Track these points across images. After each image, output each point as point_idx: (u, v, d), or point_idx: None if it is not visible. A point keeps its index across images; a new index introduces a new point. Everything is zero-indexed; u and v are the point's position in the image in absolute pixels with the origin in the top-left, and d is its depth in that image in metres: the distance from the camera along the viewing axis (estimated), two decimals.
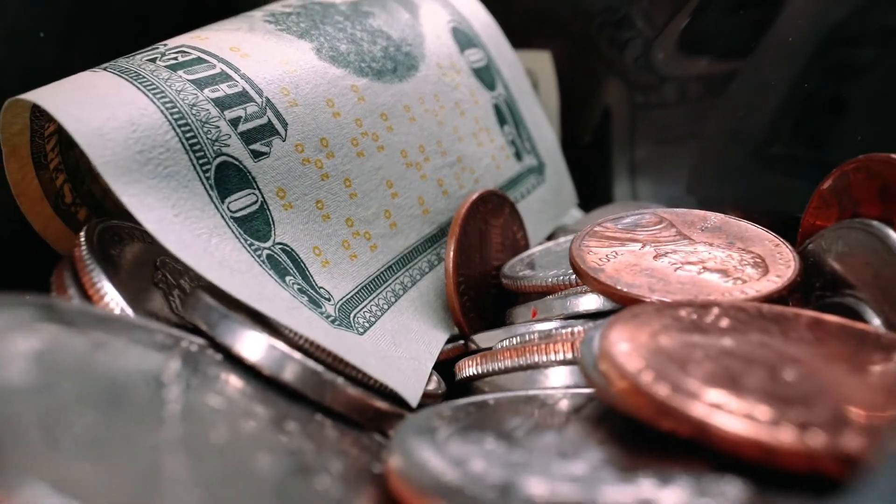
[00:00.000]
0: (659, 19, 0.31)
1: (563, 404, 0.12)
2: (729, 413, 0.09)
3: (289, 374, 0.12)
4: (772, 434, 0.08)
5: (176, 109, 0.15)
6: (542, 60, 0.34)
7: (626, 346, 0.11)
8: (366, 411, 0.12)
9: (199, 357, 0.11)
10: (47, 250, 0.21)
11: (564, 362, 0.14)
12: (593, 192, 0.35)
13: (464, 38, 0.25)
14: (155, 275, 0.16)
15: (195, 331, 0.13)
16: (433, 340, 0.19)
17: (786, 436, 0.08)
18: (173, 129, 0.15)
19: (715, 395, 0.09)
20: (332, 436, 0.11)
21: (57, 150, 0.20)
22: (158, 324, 0.12)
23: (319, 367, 0.12)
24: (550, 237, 0.26)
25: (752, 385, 0.10)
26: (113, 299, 0.13)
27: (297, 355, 0.12)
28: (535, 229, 0.24)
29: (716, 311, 0.13)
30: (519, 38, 0.32)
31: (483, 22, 0.26)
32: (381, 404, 0.12)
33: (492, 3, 0.29)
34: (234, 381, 0.11)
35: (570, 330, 0.15)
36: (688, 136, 0.32)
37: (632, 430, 0.10)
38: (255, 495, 0.07)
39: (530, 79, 0.33)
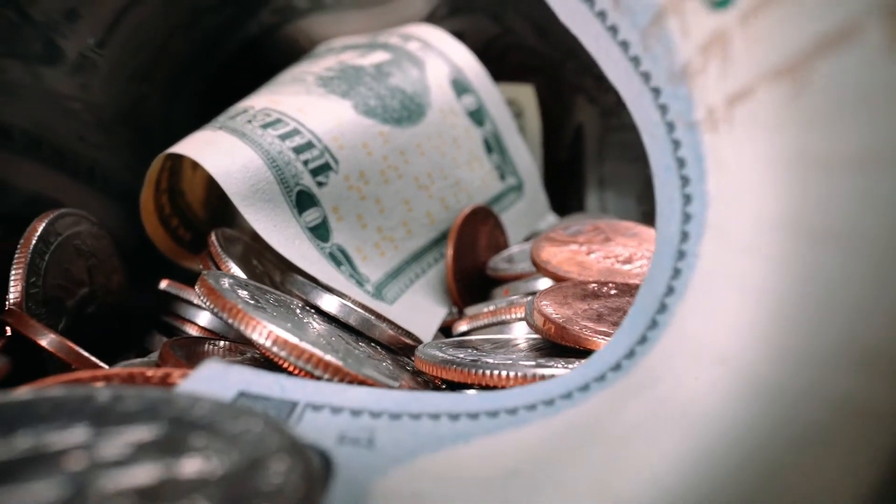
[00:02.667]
0: None
1: (517, 341, 0.22)
2: (591, 331, 0.18)
3: (353, 320, 0.21)
4: (603, 341, 0.18)
5: (270, 157, 0.25)
6: (527, 93, 0.44)
7: (548, 302, 0.20)
8: (398, 343, 0.21)
9: (303, 308, 0.21)
10: (152, 248, 0.30)
11: (521, 319, 0.23)
12: (569, 201, 0.45)
13: (460, 87, 0.34)
14: (254, 264, 0.25)
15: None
16: (438, 313, 0.28)
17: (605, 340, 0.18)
18: (269, 169, 0.24)
19: (586, 323, 0.19)
20: (382, 353, 0.20)
21: (167, 177, 0.30)
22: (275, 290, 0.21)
23: (371, 316, 0.21)
24: (529, 239, 0.35)
25: (608, 320, 0.19)
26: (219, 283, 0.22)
27: (358, 308, 0.21)
28: (515, 234, 0.34)
29: (611, 285, 0.22)
30: (509, 75, 0.42)
31: (476, 72, 0.35)
32: (407, 340, 0.22)
33: (488, 54, 0.38)
34: (322, 323, 0.20)
35: (526, 300, 0.24)
36: (642, 156, 0.42)
37: (549, 345, 0.20)
38: (358, 359, 0.17)
39: (517, 108, 0.43)
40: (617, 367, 0.13)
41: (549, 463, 0.10)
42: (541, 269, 0.26)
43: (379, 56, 0.33)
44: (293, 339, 0.15)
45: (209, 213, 0.34)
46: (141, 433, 0.09)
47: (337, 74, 0.30)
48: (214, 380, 0.13)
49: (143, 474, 0.08)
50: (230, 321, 0.15)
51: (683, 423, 0.10)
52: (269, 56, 0.42)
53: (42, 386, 0.13)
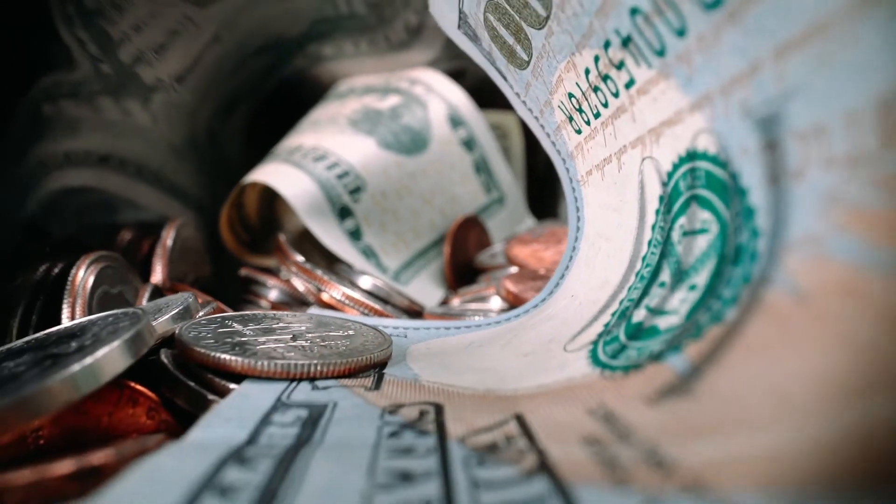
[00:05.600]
0: None
1: (491, 307, 0.35)
2: (527, 294, 0.31)
3: (381, 293, 0.34)
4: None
5: (321, 182, 0.38)
6: (512, 119, 0.57)
7: (510, 281, 0.34)
8: (412, 309, 0.34)
9: (350, 283, 0.34)
10: (223, 248, 0.44)
11: (495, 294, 0.36)
12: (546, 207, 0.58)
13: (455, 121, 0.47)
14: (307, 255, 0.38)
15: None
16: (438, 293, 0.41)
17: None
18: (321, 192, 0.38)
19: (532, 293, 0.32)
20: (402, 313, 0.33)
21: (237, 195, 0.43)
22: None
23: (393, 291, 0.34)
24: (508, 239, 0.48)
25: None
26: (306, 265, 0.36)
27: (384, 286, 0.34)
28: (497, 235, 0.47)
29: (553, 271, 0.35)
30: (498, 104, 0.55)
31: (467, 108, 0.49)
32: (417, 307, 0.35)
33: (483, 88, 0.51)
34: (361, 294, 0.34)
35: (498, 281, 0.37)
36: None
37: (509, 308, 0.33)
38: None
39: (503, 131, 0.56)
40: (535, 307, 0.26)
41: (488, 339, 0.23)
42: (511, 261, 0.39)
43: (392, 100, 0.46)
44: (357, 296, 0.28)
45: (261, 220, 0.47)
46: (306, 324, 0.22)
47: (362, 117, 0.44)
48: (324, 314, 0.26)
49: (316, 336, 0.21)
50: (318, 285, 0.28)
51: (546, 320, 0.23)
52: (300, 92, 0.56)
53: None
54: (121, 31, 0.40)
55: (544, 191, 0.58)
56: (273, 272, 0.39)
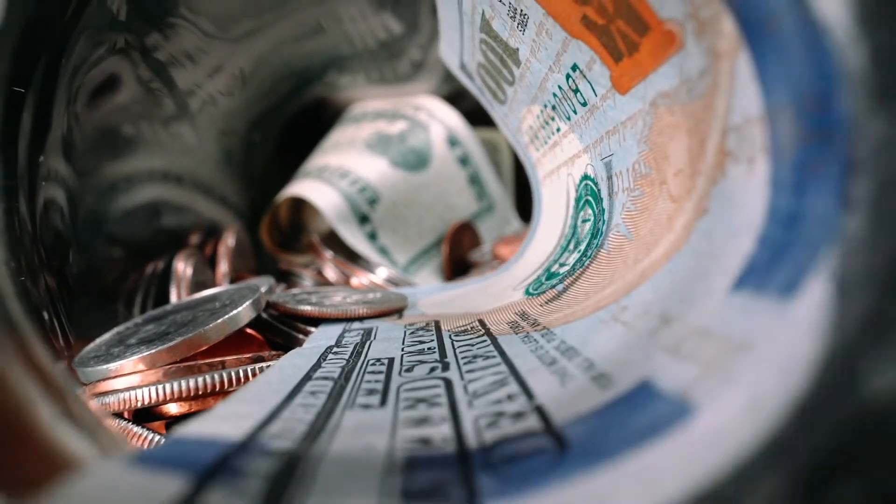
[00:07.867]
0: None
1: None
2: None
3: (393, 281, 0.47)
4: None
5: (345, 195, 0.51)
6: (502, 136, 0.69)
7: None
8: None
9: (370, 273, 0.47)
10: (261, 247, 0.56)
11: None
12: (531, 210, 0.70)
13: (452, 142, 0.60)
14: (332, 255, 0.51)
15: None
16: (437, 284, 0.54)
17: None
18: (345, 202, 0.50)
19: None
20: None
21: (273, 204, 0.56)
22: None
23: (403, 280, 0.47)
24: (497, 240, 0.61)
25: None
26: (338, 258, 0.48)
27: (396, 275, 0.47)
28: (487, 237, 0.60)
29: None
30: (492, 123, 0.68)
31: (463, 131, 0.62)
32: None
33: (479, 107, 0.64)
34: (381, 280, 0.46)
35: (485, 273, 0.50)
36: None
37: None
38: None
39: (495, 145, 0.69)
40: (505, 270, 0.39)
41: (471, 291, 0.35)
42: (496, 257, 0.52)
43: (400, 125, 0.59)
44: (378, 280, 0.41)
45: (290, 224, 0.60)
46: (348, 292, 0.35)
47: (376, 141, 0.57)
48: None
49: (358, 297, 0.34)
50: (350, 273, 0.41)
51: (509, 277, 0.35)
52: (319, 114, 0.69)
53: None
54: (175, 62, 0.52)
55: (530, 196, 0.71)
56: (304, 266, 0.52)
